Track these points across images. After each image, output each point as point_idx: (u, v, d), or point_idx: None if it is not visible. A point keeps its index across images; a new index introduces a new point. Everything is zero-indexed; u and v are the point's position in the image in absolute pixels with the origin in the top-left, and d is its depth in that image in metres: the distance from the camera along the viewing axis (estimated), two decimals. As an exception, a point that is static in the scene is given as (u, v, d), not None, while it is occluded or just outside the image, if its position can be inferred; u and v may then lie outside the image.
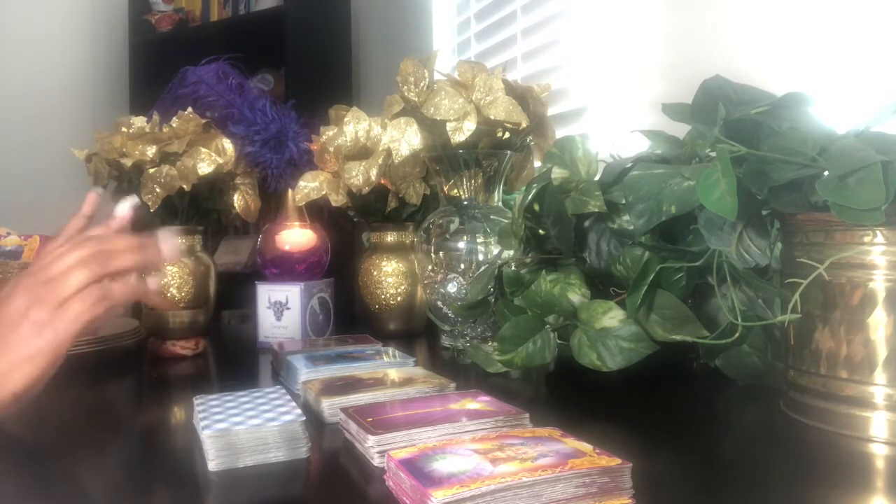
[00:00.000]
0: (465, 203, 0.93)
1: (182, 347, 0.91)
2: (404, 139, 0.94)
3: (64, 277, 0.51)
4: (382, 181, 1.03)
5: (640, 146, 0.77)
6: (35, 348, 0.49)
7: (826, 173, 0.49)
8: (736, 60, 0.93)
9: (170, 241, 0.58)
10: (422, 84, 0.95)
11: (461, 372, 0.79)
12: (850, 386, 0.52)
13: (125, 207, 0.60)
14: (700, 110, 0.62)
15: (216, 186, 1.13)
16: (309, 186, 1.05)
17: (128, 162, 1.05)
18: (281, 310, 0.99)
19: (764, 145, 0.55)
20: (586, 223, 0.73)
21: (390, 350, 0.80)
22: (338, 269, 1.14)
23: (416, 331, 1.08)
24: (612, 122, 1.17)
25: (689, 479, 0.46)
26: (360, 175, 0.99)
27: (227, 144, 1.11)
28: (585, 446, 0.43)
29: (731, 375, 0.67)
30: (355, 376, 0.67)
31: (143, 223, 0.65)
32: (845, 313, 0.52)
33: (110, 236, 0.56)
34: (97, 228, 0.58)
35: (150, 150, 1.05)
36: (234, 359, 0.97)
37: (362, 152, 1.02)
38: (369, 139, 1.02)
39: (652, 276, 0.62)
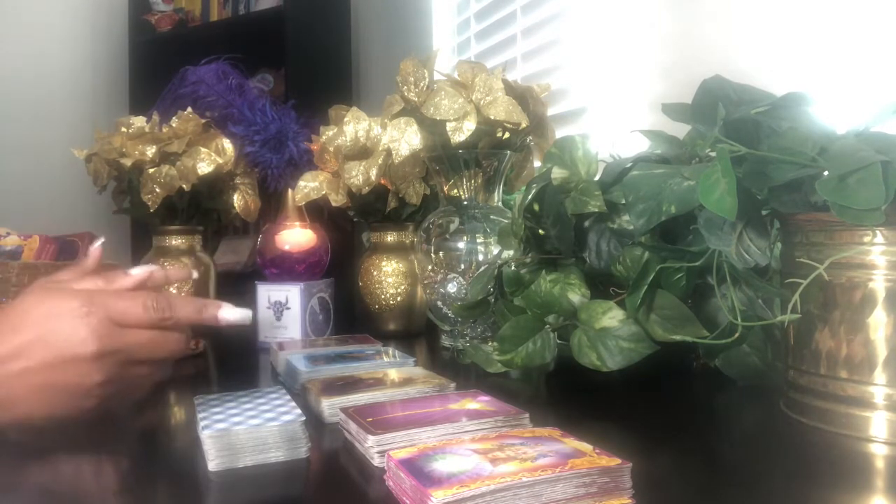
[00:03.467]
0: (465, 203, 0.93)
1: (182, 347, 0.90)
2: (404, 139, 0.94)
3: (139, 366, 0.53)
4: (382, 181, 1.03)
5: (640, 146, 0.77)
6: (64, 404, 0.50)
7: (826, 173, 0.49)
8: (736, 60, 0.93)
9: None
10: (422, 84, 0.95)
11: (461, 372, 0.79)
12: (850, 386, 0.52)
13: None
14: (700, 110, 0.62)
15: (216, 186, 1.13)
16: (309, 186, 1.05)
17: (128, 162, 1.05)
18: (281, 310, 0.99)
19: (764, 145, 0.55)
20: (586, 223, 0.73)
21: (390, 350, 0.80)
22: (338, 269, 1.14)
23: (416, 331, 1.07)
24: (612, 122, 1.17)
25: (689, 479, 0.46)
26: (360, 175, 0.99)
27: (227, 144, 1.11)
28: (585, 446, 0.43)
29: (731, 375, 0.67)
30: (355, 376, 0.67)
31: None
32: (845, 313, 0.52)
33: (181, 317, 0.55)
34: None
35: (150, 150, 1.05)
36: (234, 359, 0.97)
37: (362, 152, 1.02)
38: (369, 139, 1.02)
39: (652, 276, 0.62)
